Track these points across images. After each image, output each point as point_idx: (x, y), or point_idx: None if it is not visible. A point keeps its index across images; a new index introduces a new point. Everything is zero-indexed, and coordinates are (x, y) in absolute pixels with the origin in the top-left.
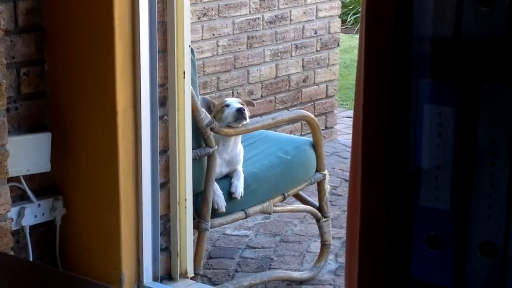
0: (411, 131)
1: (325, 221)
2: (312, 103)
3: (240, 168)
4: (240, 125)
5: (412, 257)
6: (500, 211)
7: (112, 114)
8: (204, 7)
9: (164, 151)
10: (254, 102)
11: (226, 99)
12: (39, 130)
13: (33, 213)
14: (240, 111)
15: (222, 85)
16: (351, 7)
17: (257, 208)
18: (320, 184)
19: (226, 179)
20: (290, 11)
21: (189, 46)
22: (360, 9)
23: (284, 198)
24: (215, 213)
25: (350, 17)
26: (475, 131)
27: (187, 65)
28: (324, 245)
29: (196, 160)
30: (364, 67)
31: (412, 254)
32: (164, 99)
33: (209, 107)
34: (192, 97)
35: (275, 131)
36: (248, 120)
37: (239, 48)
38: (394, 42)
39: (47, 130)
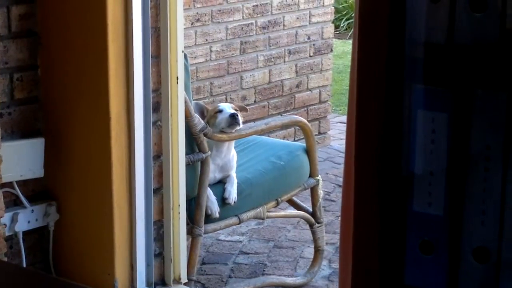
0: (405, 137)
1: (318, 227)
2: (305, 109)
3: (233, 173)
4: (233, 131)
5: (406, 262)
6: (494, 216)
7: (106, 119)
8: (197, 13)
9: (158, 156)
10: (247, 107)
11: (219, 104)
12: (33, 135)
13: (26, 219)
14: (233, 117)
15: (215, 91)
16: (344, 13)
17: (251, 213)
18: (313, 190)
19: (220, 185)
20: (283, 17)
21: (182, 51)
22: (353, 15)
23: (278, 204)
24: (209, 219)
25: (343, 22)
26: (468, 137)
27: (180, 71)
28: (318, 251)
29: (190, 166)
30: (357, 73)
31: (406, 259)
32: (157, 105)
33: (202, 112)
34: (185, 102)
35: (268, 136)
36: (241, 125)
37: (232, 54)
38: (387, 48)
39: (40, 135)
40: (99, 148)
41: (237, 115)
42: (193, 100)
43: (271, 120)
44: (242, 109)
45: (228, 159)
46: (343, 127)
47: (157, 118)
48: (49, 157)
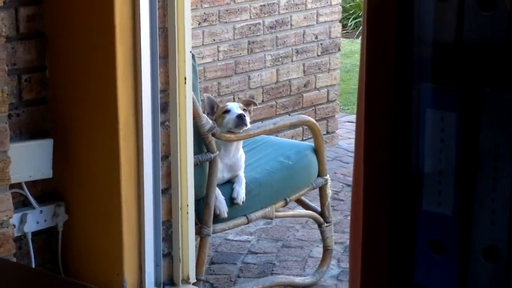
0: (414, 136)
1: (327, 226)
2: (313, 108)
3: (241, 173)
4: (241, 131)
5: (415, 262)
6: (503, 215)
7: (114, 120)
8: (204, 13)
9: (166, 156)
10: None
11: (228, 104)
12: (41, 136)
13: (35, 220)
14: (240, 117)
15: (223, 91)
16: (351, 12)
17: (259, 213)
18: (322, 189)
19: (228, 185)
20: (291, 16)
21: (190, 51)
22: (360, 14)
23: (286, 203)
24: (217, 219)
25: (351, 21)
26: (477, 136)
27: (188, 71)
28: (326, 250)
29: (198, 166)
30: (366, 72)
31: (415, 259)
32: (165, 105)
33: (212, 107)
34: (193, 102)
35: (277, 136)
36: (248, 126)
37: (240, 53)
38: (396, 47)
39: (48, 136)
40: (108, 148)
41: (244, 116)
42: (202, 99)
43: (279, 119)
44: (250, 103)
45: (237, 159)
46: (351, 126)
47: (165, 118)
48: (57, 157)
